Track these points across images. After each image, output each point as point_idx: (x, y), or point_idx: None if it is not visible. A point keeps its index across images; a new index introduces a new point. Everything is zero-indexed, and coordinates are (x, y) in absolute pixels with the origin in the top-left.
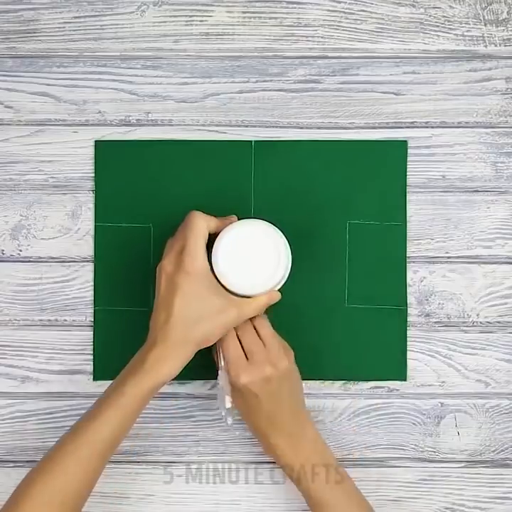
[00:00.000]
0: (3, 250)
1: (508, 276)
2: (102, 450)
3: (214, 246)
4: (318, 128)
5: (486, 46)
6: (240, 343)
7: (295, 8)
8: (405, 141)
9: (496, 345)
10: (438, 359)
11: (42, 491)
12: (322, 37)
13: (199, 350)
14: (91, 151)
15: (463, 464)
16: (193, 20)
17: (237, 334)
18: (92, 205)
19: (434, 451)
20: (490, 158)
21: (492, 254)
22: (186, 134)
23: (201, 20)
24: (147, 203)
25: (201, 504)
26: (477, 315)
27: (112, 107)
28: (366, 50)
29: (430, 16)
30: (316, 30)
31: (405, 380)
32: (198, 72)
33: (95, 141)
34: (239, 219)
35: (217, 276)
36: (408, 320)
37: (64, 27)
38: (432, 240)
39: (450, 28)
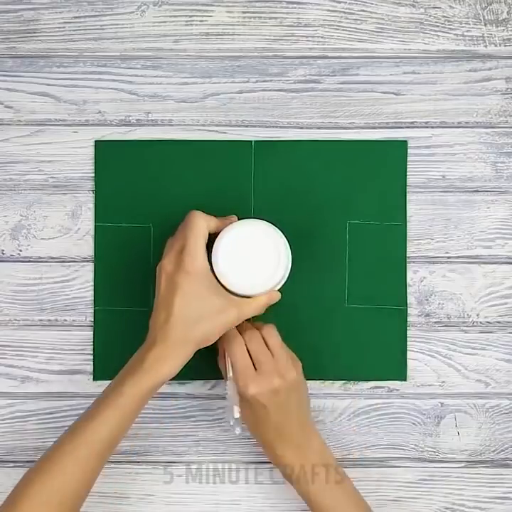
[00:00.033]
0: (3, 250)
1: (508, 276)
2: (101, 450)
3: (214, 246)
4: (318, 128)
5: (486, 46)
6: (248, 352)
7: (295, 8)
8: (405, 141)
9: (496, 345)
10: (438, 359)
11: (40, 491)
12: (322, 37)
13: (199, 350)
14: (91, 151)
15: (463, 464)
16: (193, 20)
17: (245, 343)
18: (92, 205)
19: (434, 451)
20: (490, 158)
21: (492, 254)
22: (186, 134)
23: (201, 20)
24: (147, 203)
25: (201, 504)
26: (477, 315)
27: (111, 107)
28: (366, 50)
29: (430, 16)
30: (316, 30)
31: (405, 380)
32: (198, 72)
33: (95, 141)
34: (239, 219)
35: (217, 276)
36: (408, 320)
37: (64, 27)
38: (432, 240)
39: (450, 28)
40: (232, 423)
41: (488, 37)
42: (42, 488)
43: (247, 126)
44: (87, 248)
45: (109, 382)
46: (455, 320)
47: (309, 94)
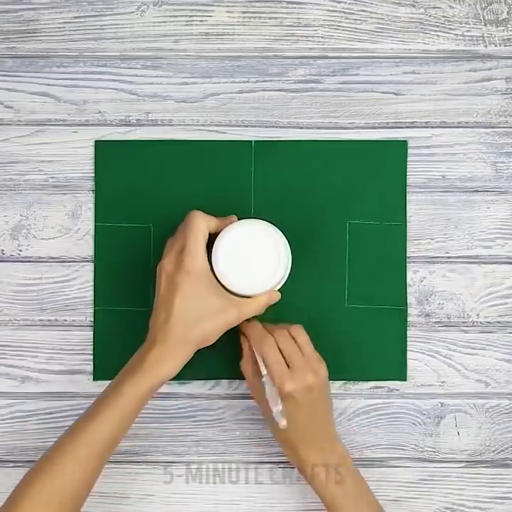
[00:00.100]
0: (3, 250)
1: (508, 276)
2: (101, 450)
3: (214, 246)
4: (318, 128)
5: (486, 46)
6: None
7: (295, 8)
8: (405, 141)
9: (496, 345)
10: (438, 359)
11: (40, 491)
12: (322, 37)
13: (199, 350)
14: (91, 151)
15: (463, 464)
16: (193, 20)
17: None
18: (92, 205)
19: (434, 451)
20: (490, 158)
21: (492, 254)
22: (186, 134)
23: (201, 20)
24: (147, 203)
25: (201, 504)
26: (477, 315)
27: (112, 107)
28: (366, 50)
29: (430, 16)
30: (316, 30)
31: (405, 380)
32: (198, 72)
33: (95, 141)
34: (239, 219)
35: (217, 276)
36: (408, 320)
37: (64, 27)
38: (432, 240)
39: (450, 28)
40: (275, 417)
41: (488, 37)
42: (42, 488)
43: (247, 126)
44: (87, 248)
45: (109, 382)
46: (455, 320)
47: (309, 94)
